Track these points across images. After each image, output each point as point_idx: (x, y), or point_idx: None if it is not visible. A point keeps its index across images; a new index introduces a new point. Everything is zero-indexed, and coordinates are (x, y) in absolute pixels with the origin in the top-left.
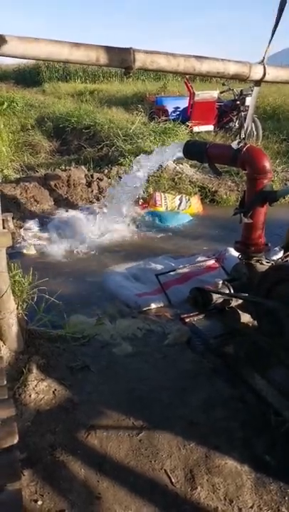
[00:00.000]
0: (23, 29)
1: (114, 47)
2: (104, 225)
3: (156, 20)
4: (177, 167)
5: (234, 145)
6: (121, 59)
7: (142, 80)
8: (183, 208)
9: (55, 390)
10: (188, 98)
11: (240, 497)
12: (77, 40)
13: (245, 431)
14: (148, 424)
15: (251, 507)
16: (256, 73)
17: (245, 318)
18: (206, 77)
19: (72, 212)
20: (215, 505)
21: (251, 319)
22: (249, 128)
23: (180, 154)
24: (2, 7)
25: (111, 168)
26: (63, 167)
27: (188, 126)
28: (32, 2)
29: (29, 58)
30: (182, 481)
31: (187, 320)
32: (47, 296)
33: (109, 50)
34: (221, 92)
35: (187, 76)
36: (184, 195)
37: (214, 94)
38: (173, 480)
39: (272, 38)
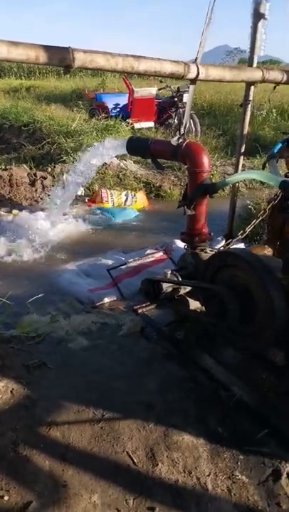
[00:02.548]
0: None
1: (54, 46)
2: (51, 224)
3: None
4: (121, 163)
5: (174, 141)
6: (60, 58)
7: (79, 76)
8: (129, 204)
9: (13, 389)
10: (127, 95)
11: (197, 468)
12: (20, 37)
13: (199, 408)
14: (108, 411)
15: (208, 475)
16: (190, 72)
17: (194, 304)
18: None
19: (17, 212)
20: (175, 478)
21: (199, 305)
22: (187, 124)
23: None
24: None
25: (54, 166)
26: (3, 166)
27: (129, 123)
28: None
29: None
30: (144, 459)
31: (140, 311)
32: None
33: (48, 49)
34: (159, 89)
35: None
36: (129, 191)
37: (153, 91)
38: (135, 460)
39: (202, 38)
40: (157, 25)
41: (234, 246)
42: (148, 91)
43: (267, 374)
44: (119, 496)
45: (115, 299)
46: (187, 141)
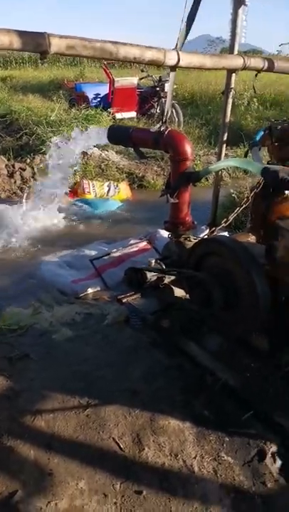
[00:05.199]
0: None
1: (28, 31)
2: (31, 216)
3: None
4: (103, 154)
5: (155, 129)
6: (36, 43)
7: (57, 66)
8: (112, 195)
9: None
10: (108, 84)
11: (184, 450)
12: None
13: (185, 394)
14: (94, 400)
15: (194, 457)
16: (170, 59)
17: (179, 292)
18: (123, 63)
19: None
20: (162, 462)
21: (184, 293)
22: (169, 112)
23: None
24: None
25: (34, 158)
26: None
27: (110, 112)
28: None
29: None
30: (130, 445)
31: (124, 300)
32: None
33: (22, 34)
34: (140, 79)
35: (105, 62)
36: (112, 182)
37: (134, 80)
38: (121, 445)
39: (189, 28)
40: (137, 14)
41: (218, 234)
42: (129, 80)
43: (251, 359)
44: (106, 481)
45: (99, 289)
46: (169, 129)
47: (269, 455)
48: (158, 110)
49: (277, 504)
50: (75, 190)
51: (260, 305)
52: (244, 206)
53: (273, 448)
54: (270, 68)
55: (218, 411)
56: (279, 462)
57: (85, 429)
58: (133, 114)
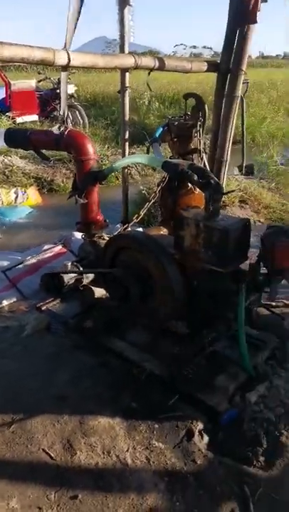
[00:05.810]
0: None
1: None
2: None
3: None
4: (5, 159)
5: (55, 130)
6: None
7: None
8: (21, 201)
9: None
10: (4, 88)
11: (116, 446)
12: None
13: (112, 390)
14: (19, 413)
15: (127, 450)
16: (60, 59)
17: (99, 292)
18: (20, 65)
19: None
20: (95, 461)
21: (104, 292)
22: (66, 112)
23: None
24: None
25: None
26: None
27: (9, 117)
28: None
29: None
30: (61, 452)
31: (44, 308)
32: None
33: None
34: (39, 81)
35: None
36: (19, 188)
37: (32, 83)
38: (52, 455)
39: (68, 23)
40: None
41: (131, 230)
42: (27, 83)
43: (174, 345)
44: (40, 494)
45: (15, 300)
46: (68, 129)
47: (196, 433)
48: (61, 112)
49: (207, 479)
50: None
51: (174, 292)
52: (153, 201)
53: (200, 426)
54: (161, 67)
55: (146, 401)
56: (206, 438)
57: (12, 445)
58: (35, 117)
